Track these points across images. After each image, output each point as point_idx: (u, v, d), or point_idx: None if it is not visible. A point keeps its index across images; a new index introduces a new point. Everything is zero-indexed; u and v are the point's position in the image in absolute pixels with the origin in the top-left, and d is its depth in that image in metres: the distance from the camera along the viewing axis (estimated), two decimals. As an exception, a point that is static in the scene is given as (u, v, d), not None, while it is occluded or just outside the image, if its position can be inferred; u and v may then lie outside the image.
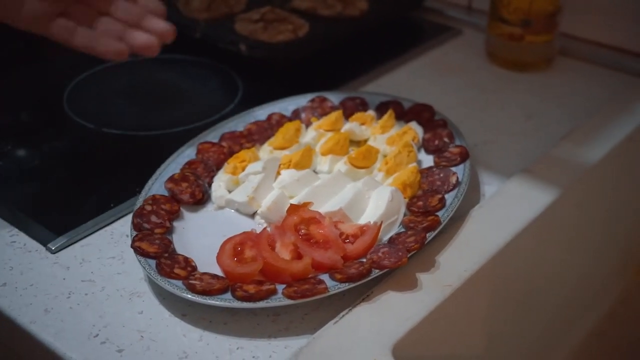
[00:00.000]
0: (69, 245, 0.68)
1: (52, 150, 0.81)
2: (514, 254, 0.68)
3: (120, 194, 0.73)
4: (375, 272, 0.61)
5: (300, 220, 0.65)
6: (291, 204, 0.67)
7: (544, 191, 0.72)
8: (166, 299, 0.63)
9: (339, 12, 0.98)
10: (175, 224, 0.69)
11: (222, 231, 0.67)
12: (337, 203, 0.67)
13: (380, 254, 0.63)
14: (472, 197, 0.74)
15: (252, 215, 0.70)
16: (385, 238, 0.66)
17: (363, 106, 0.83)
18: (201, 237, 0.67)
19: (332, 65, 0.95)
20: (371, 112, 0.82)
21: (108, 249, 0.68)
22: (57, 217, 0.71)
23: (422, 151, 0.78)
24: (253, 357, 0.58)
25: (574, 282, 0.79)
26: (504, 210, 0.70)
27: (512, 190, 0.73)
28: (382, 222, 0.65)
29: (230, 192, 0.72)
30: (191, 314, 0.61)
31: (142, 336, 0.60)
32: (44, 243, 0.68)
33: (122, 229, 0.70)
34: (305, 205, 0.67)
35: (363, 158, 0.74)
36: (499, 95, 0.91)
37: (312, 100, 0.83)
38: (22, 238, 0.69)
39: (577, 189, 0.75)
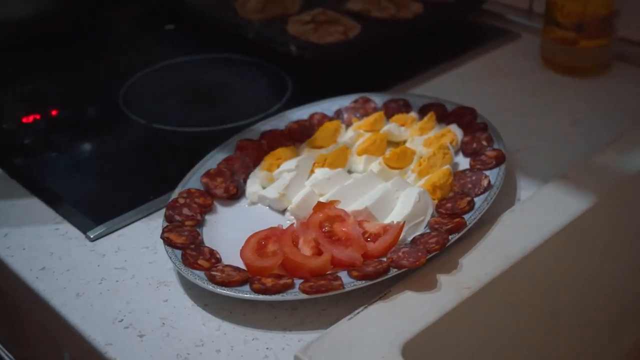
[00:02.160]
0: (107, 234, 0.71)
1: (104, 144, 0.85)
2: (540, 261, 0.67)
3: (161, 187, 0.76)
4: (393, 272, 0.62)
5: (325, 217, 0.66)
6: (318, 202, 0.68)
7: (579, 198, 0.71)
8: (191, 289, 0.65)
9: (391, 15, 0.98)
10: (207, 217, 0.71)
11: (252, 226, 0.69)
12: (364, 202, 0.68)
13: (400, 254, 0.63)
14: (507, 201, 0.73)
15: (283, 212, 0.72)
16: (410, 238, 0.66)
17: (406, 108, 0.83)
18: (231, 231, 0.69)
19: (383, 67, 0.96)
20: (413, 114, 0.82)
21: (143, 239, 0.71)
22: (99, 207, 0.74)
23: (461, 155, 0.78)
24: (267, 348, 0.59)
25: (605, 296, 0.77)
26: (535, 215, 0.70)
27: (546, 195, 0.72)
28: (404, 222, 0.65)
29: (264, 188, 0.74)
30: (212, 304, 0.63)
31: (163, 323, 0.62)
32: (84, 231, 0.71)
33: (158, 220, 0.72)
34: (331, 203, 0.68)
35: (397, 159, 0.75)
36: (549, 100, 0.90)
37: (355, 101, 0.84)
38: (66, 226, 0.73)
39: (613, 198, 0.73)
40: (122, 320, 0.62)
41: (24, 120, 0.88)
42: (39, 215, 0.74)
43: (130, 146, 0.85)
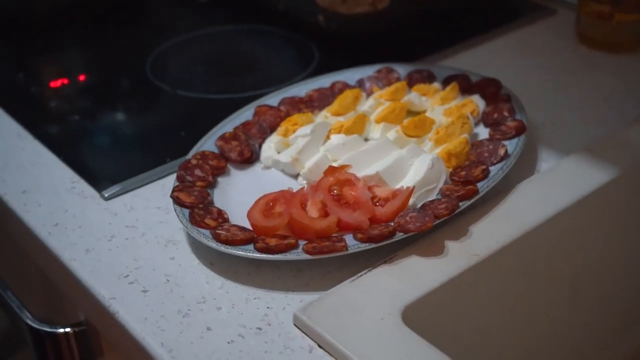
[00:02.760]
0: (121, 194, 0.72)
1: (127, 108, 0.86)
2: (554, 232, 0.66)
3: (179, 150, 0.76)
4: (400, 236, 0.61)
5: (335, 181, 0.66)
6: (330, 166, 0.68)
7: (599, 172, 0.69)
8: (198, 248, 0.65)
9: (425, -13, 0.97)
10: (220, 179, 0.71)
11: (264, 189, 0.68)
12: (376, 167, 0.67)
13: (407, 218, 0.62)
14: (526, 172, 0.72)
15: (296, 177, 0.71)
16: (420, 204, 0.65)
17: (430, 79, 0.82)
18: (242, 193, 0.69)
19: (411, 39, 0.94)
20: (436, 85, 0.81)
21: (156, 199, 0.71)
22: (116, 167, 0.75)
23: (482, 125, 0.76)
24: (267, 307, 0.59)
25: (623, 274, 0.75)
26: (552, 186, 0.68)
27: (566, 167, 0.70)
28: (414, 187, 0.64)
29: (279, 153, 0.73)
30: (218, 263, 0.63)
31: (168, 280, 0.62)
32: (99, 190, 0.72)
33: (172, 182, 0.72)
34: (343, 167, 0.67)
35: (415, 127, 0.73)
36: (581, 76, 0.87)
37: (378, 71, 0.83)
38: (82, 185, 0.73)
39: (636, 173, 0.71)
40: (127, 275, 0.63)
41: (52, 84, 0.89)
42: (58, 174, 0.75)
43: (153, 111, 0.85)
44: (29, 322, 0.72)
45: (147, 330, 0.58)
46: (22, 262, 0.81)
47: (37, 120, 0.83)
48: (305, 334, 0.56)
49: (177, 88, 0.88)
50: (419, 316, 0.57)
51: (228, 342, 0.56)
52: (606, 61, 0.90)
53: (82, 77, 0.91)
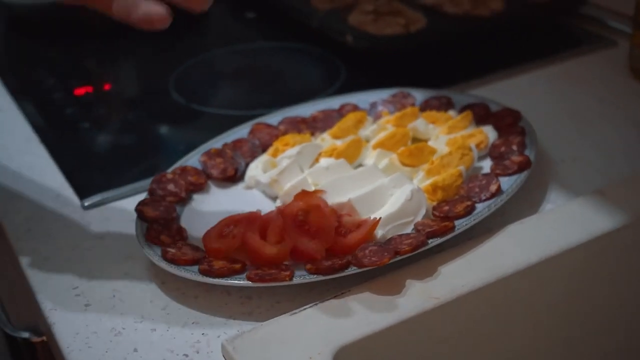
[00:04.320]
0: (101, 205, 0.70)
1: (138, 120, 0.85)
2: (536, 280, 0.59)
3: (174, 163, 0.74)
4: (352, 270, 0.56)
5: (304, 206, 0.62)
6: (302, 190, 0.64)
7: (604, 217, 0.62)
8: (155, 265, 0.62)
9: (465, 11, 0.91)
10: (195, 196, 0.68)
11: (239, 210, 0.65)
12: (351, 194, 0.63)
13: (366, 252, 0.57)
14: (527, 213, 0.65)
15: (275, 200, 0.68)
16: (388, 237, 0.60)
17: (447, 106, 0.77)
18: (215, 212, 0.66)
19: (445, 63, 0.89)
20: (451, 112, 0.75)
21: (134, 212, 0.69)
22: (107, 177, 0.74)
23: (489, 159, 0.70)
24: (202, 333, 0.56)
25: (613, 333, 0.66)
26: (545, 230, 0.61)
27: (568, 210, 0.63)
28: (379, 219, 0.59)
29: (265, 173, 0.70)
30: (170, 283, 0.60)
31: (114, 295, 0.60)
32: (81, 199, 0.71)
33: (155, 196, 0.70)
34: (316, 192, 0.63)
35: (410, 155, 0.68)
36: (623, 111, 0.79)
37: (394, 95, 0.78)
38: (68, 192, 0.72)
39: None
40: (76, 287, 0.61)
41: (76, 92, 0.90)
42: (49, 180, 0.74)
43: (161, 124, 0.84)
44: (7, 329, 0.72)
45: (73, 346, 0.55)
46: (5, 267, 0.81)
47: (48, 126, 0.83)
48: (230, 366, 0.52)
49: (192, 102, 0.86)
50: (354, 359, 0.52)
51: (149, 367, 0.53)
52: (655, 97, 0.81)
53: (107, 87, 0.91)
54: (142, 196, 0.70)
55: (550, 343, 0.63)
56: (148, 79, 0.93)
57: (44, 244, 0.66)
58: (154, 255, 0.59)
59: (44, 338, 0.67)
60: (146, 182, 0.72)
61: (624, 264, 0.63)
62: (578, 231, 0.61)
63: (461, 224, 0.59)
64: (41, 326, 0.63)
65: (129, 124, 0.85)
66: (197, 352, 0.54)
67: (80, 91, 0.90)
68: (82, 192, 0.72)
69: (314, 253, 0.58)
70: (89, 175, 0.75)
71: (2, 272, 0.78)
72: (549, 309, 0.61)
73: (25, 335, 0.68)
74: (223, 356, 0.53)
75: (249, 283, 0.56)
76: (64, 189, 0.73)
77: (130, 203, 0.70)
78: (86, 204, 0.70)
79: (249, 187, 0.70)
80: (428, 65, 0.88)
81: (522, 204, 0.66)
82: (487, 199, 0.62)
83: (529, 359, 0.62)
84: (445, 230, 0.58)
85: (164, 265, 0.58)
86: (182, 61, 0.95)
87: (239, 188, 0.70)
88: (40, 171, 0.76)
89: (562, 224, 0.62)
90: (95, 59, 0.99)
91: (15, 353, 0.73)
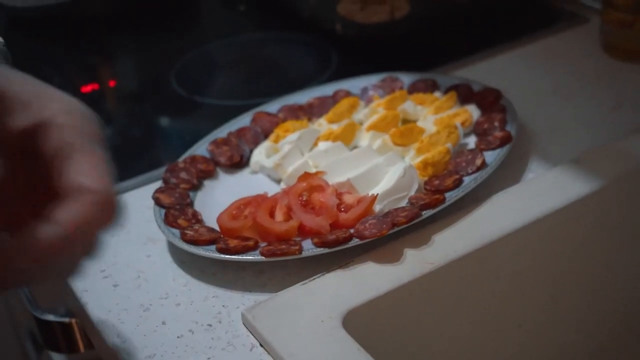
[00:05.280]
0: (121, 192, 0.76)
1: (143, 114, 0.90)
2: (521, 244, 0.65)
3: (182, 153, 0.79)
4: (355, 242, 0.62)
5: (307, 187, 0.68)
6: (305, 172, 0.70)
7: (581, 183, 0.68)
8: (173, 247, 0.68)
9: (446, -4, 0.97)
10: (206, 182, 0.74)
11: (248, 193, 0.71)
12: (349, 174, 0.69)
13: (367, 225, 0.63)
14: (510, 183, 0.71)
15: (279, 182, 0.74)
16: (385, 211, 0.66)
17: (433, 88, 0.83)
18: (226, 196, 0.72)
19: (431, 47, 0.95)
20: (437, 94, 0.81)
21: (149, 199, 0.74)
22: (119, 169, 0.79)
23: (473, 135, 0.76)
24: (223, 305, 0.62)
25: (597, 289, 0.72)
26: (528, 197, 0.67)
27: (548, 179, 0.70)
28: (377, 195, 0.65)
29: (268, 158, 0.76)
30: (189, 262, 0.66)
31: (139, 276, 0.66)
32: (99, 189, 0.76)
33: (168, 184, 0.76)
34: (317, 173, 0.69)
35: (401, 135, 0.74)
36: (597, 84, 0.86)
37: (383, 80, 0.84)
38: (86, 184, 0.78)
39: (618, 189, 0.69)
40: (104, 270, 0.67)
41: (83, 89, 0.95)
42: (67, 173, 0.80)
43: (167, 117, 0.90)
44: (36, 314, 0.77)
45: (107, 322, 0.61)
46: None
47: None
48: (250, 332, 0.59)
49: (194, 94, 0.92)
50: (361, 321, 0.58)
51: (178, 337, 0.59)
52: (625, 70, 0.87)
53: (112, 83, 0.97)
54: (155, 185, 0.76)
55: (535, 301, 0.69)
56: (150, 74, 0.99)
57: (70, 232, 0.71)
58: (174, 238, 0.65)
59: (75, 319, 0.73)
60: (157, 172, 0.78)
61: (599, 224, 0.69)
62: (557, 197, 0.67)
63: (451, 196, 0.65)
64: (72, 308, 0.69)
65: (136, 117, 0.90)
66: (220, 322, 0.60)
67: (87, 89, 0.95)
68: (99, 183, 0.77)
69: (319, 228, 0.64)
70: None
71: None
72: (533, 269, 0.67)
73: (58, 318, 0.74)
74: (243, 324, 0.59)
75: (262, 258, 0.62)
76: (82, 182, 0.79)
77: (144, 192, 0.76)
78: (104, 194, 0.76)
79: (254, 172, 0.76)
80: (413, 49, 0.94)
81: (506, 175, 0.72)
82: (474, 172, 0.68)
83: (516, 316, 0.68)
84: (436, 202, 0.65)
85: (184, 246, 0.64)
86: (181, 55, 1.00)
87: (245, 173, 0.76)
88: (58, 166, 0.82)
89: (542, 191, 0.68)
90: (98, 56, 1.04)
91: (47, 336, 0.79)
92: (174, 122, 0.90)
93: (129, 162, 0.81)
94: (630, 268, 0.74)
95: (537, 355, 0.70)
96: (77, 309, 0.66)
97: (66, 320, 0.74)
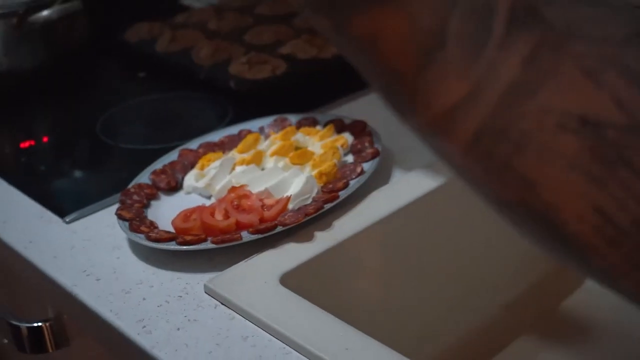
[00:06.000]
0: (80, 218, 0.95)
1: (82, 160, 1.10)
2: (396, 223, 0.91)
3: (124, 185, 1.00)
4: (280, 229, 0.85)
5: (236, 196, 0.90)
6: (232, 186, 0.92)
7: (429, 181, 0.95)
8: (137, 249, 0.88)
9: (313, 56, 1.24)
10: (152, 202, 0.95)
11: (186, 207, 0.93)
12: (266, 185, 0.92)
13: (286, 217, 0.87)
14: (381, 184, 0.96)
15: (209, 197, 0.96)
16: (297, 208, 0.90)
17: (314, 123, 1.08)
18: (170, 211, 0.93)
19: (307, 94, 1.21)
20: (318, 127, 1.07)
21: (106, 219, 0.94)
22: (75, 200, 0.99)
23: (351, 155, 1.02)
24: (186, 283, 0.83)
25: (460, 256, 1.00)
26: (396, 193, 0.93)
27: (407, 180, 0.96)
28: (290, 196, 0.89)
29: (197, 181, 0.98)
30: (152, 258, 0.87)
31: (115, 271, 0.86)
32: (62, 216, 0.95)
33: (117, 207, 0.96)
34: (241, 186, 0.92)
35: (298, 157, 0.99)
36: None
37: (275, 120, 1.09)
38: (48, 214, 0.96)
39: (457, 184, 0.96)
40: (85, 270, 0.86)
41: (22, 145, 1.14)
42: (29, 208, 0.98)
43: (101, 160, 1.10)
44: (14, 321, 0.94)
45: (99, 302, 0.81)
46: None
47: (11, 172, 1.07)
48: (212, 297, 0.80)
49: (120, 142, 1.12)
50: (293, 280, 0.81)
51: (158, 306, 0.80)
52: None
53: (45, 139, 1.16)
54: (108, 210, 0.96)
55: (408, 262, 0.95)
56: (77, 128, 1.19)
57: (48, 248, 0.90)
58: (141, 240, 0.86)
59: (53, 322, 0.92)
60: (107, 200, 0.98)
61: (448, 210, 0.97)
62: (415, 190, 0.93)
63: (343, 194, 0.90)
64: (59, 305, 0.88)
65: (75, 164, 1.10)
66: (187, 294, 0.81)
67: (25, 144, 1.14)
68: (59, 212, 0.96)
69: (251, 223, 0.86)
70: (60, 201, 0.99)
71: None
72: (403, 244, 0.93)
73: (39, 323, 0.92)
74: (206, 292, 0.81)
75: (214, 245, 0.84)
76: (44, 212, 0.97)
77: (100, 215, 0.96)
78: (67, 219, 0.95)
79: (188, 193, 0.97)
80: (294, 97, 1.19)
81: (378, 179, 0.97)
82: (356, 177, 0.94)
83: (399, 274, 0.94)
84: (333, 198, 0.89)
85: (151, 244, 0.85)
86: (100, 113, 1.21)
87: (181, 194, 0.98)
88: (18, 202, 1.00)
89: (404, 188, 0.94)
90: (31, 117, 1.22)
91: (20, 343, 0.96)
92: (103, 165, 1.10)
93: (79, 197, 1.01)
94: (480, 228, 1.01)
95: (431, 305, 0.95)
96: (67, 302, 0.85)
97: (47, 324, 0.92)
